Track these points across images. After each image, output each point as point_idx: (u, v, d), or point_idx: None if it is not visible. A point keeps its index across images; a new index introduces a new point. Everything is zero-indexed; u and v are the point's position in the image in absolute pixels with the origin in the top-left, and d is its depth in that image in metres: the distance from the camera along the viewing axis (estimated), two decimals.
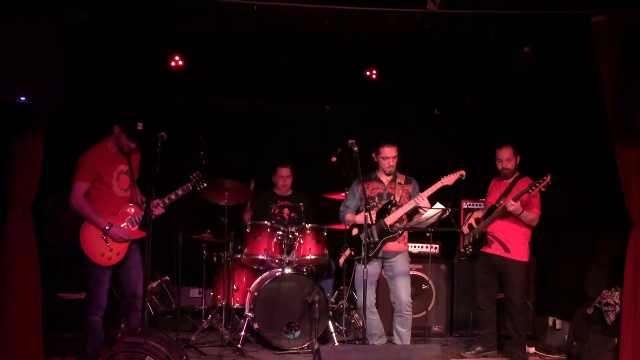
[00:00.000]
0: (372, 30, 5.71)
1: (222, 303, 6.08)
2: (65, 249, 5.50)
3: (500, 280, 5.65)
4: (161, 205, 4.88)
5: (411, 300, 5.41)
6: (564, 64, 5.88)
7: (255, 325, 5.71)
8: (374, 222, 5.21)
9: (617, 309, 5.06)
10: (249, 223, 6.11)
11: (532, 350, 5.85)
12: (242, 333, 5.74)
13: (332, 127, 7.17)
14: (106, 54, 6.04)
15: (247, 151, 7.34)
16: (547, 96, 6.32)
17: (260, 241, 5.97)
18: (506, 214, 5.49)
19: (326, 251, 6.06)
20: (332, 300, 6.26)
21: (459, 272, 6.42)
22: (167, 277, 6.79)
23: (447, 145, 7.20)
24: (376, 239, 5.29)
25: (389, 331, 5.66)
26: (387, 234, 5.32)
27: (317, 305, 5.59)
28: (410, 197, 5.42)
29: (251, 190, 6.34)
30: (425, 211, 5.26)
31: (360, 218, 5.09)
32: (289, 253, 5.96)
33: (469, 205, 6.41)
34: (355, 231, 5.47)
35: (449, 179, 5.26)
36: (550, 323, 6.19)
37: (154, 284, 6.66)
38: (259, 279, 6.01)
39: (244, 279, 6.30)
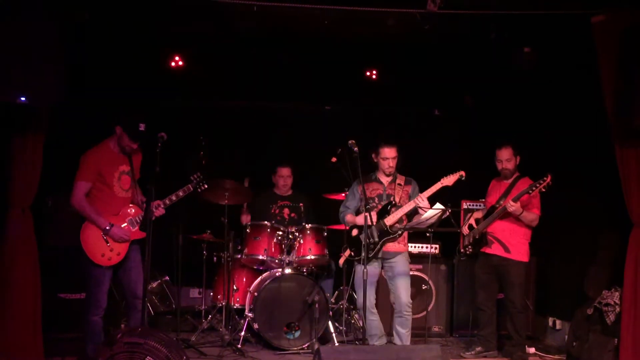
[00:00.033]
0: (372, 31, 5.71)
1: (222, 303, 6.08)
2: (65, 249, 5.50)
3: (501, 281, 5.65)
4: (162, 206, 4.88)
5: (411, 301, 5.41)
6: (564, 64, 5.88)
7: (255, 326, 5.71)
8: (374, 222, 5.21)
9: (617, 309, 5.06)
10: (249, 223, 6.11)
11: (532, 350, 5.85)
12: (242, 333, 5.74)
13: (332, 127, 7.18)
14: (106, 54, 6.04)
15: (247, 151, 7.34)
16: (547, 96, 6.32)
17: (260, 241, 5.97)
18: (506, 215, 5.49)
19: (326, 251, 6.06)
20: (332, 300, 6.26)
21: (459, 272, 6.42)
22: (167, 278, 6.80)
23: (447, 146, 7.21)
24: (376, 240, 5.29)
25: (389, 331, 5.66)
26: (386, 234, 5.32)
27: (317, 306, 5.59)
28: (410, 198, 5.42)
29: (247, 188, 6.33)
30: (425, 212, 5.26)
31: (360, 219, 5.09)
32: (289, 253, 5.96)
33: (469, 205, 6.41)
34: (355, 232, 5.47)
35: (448, 180, 5.26)
36: (550, 323, 6.19)
37: (154, 284, 6.65)
38: (259, 279, 6.01)
39: (244, 279, 6.30)
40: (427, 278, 6.36)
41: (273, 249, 5.97)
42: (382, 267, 5.46)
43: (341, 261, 5.69)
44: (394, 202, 5.38)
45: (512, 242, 5.54)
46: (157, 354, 3.85)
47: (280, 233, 5.97)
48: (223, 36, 6.11)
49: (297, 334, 5.72)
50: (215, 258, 6.35)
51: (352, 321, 6.21)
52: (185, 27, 5.86)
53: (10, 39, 4.35)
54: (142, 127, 4.70)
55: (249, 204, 6.60)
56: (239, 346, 5.62)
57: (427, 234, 5.80)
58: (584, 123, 5.74)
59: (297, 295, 5.74)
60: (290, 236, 5.96)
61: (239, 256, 6.14)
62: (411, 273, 5.69)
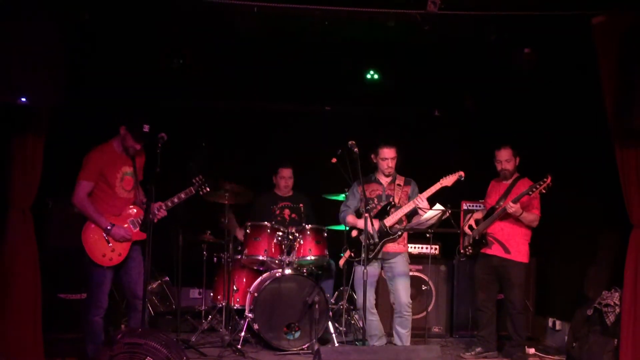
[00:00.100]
0: (372, 32, 5.71)
1: (222, 304, 6.08)
2: (66, 249, 5.50)
3: (500, 281, 5.66)
4: (164, 208, 4.89)
5: (411, 301, 5.41)
6: (564, 65, 5.88)
7: (255, 326, 5.71)
8: (376, 229, 5.22)
9: (617, 310, 5.06)
10: (249, 224, 6.10)
11: (532, 351, 5.85)
12: (242, 334, 5.74)
13: (332, 128, 7.17)
14: (106, 54, 6.04)
15: (247, 152, 7.34)
16: (546, 97, 6.32)
17: (260, 242, 5.97)
18: (506, 215, 5.50)
19: (326, 252, 6.06)
20: (332, 301, 6.26)
21: (459, 273, 6.43)
22: (167, 278, 6.80)
23: (447, 146, 7.21)
24: (376, 240, 5.29)
25: (389, 332, 5.66)
26: (386, 235, 5.32)
27: (317, 306, 5.59)
28: (409, 199, 5.42)
29: (247, 190, 6.33)
30: (425, 212, 5.26)
31: (362, 223, 5.09)
32: (289, 254, 5.96)
33: (469, 206, 6.42)
34: (354, 232, 5.48)
35: (448, 180, 5.27)
36: (550, 324, 6.19)
37: (154, 285, 6.66)
38: (259, 279, 6.01)
39: (244, 280, 6.30)
40: (427, 279, 6.36)
41: (273, 250, 5.97)
42: (382, 268, 5.46)
43: (341, 262, 5.70)
44: (393, 203, 5.39)
45: (512, 243, 5.54)
46: (157, 354, 3.86)
47: (280, 234, 5.97)
48: (223, 37, 6.11)
49: (297, 334, 5.72)
50: (215, 258, 6.36)
51: (352, 322, 6.22)
52: (186, 27, 5.86)
53: (11, 39, 4.35)
54: (146, 128, 4.71)
55: (250, 205, 6.61)
56: (239, 347, 5.62)
57: (427, 235, 5.81)
58: (583, 124, 5.74)
59: (297, 295, 5.74)
60: (290, 237, 5.96)
61: (239, 257, 6.14)
62: (411, 274, 5.70)
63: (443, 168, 5.35)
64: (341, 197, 6.22)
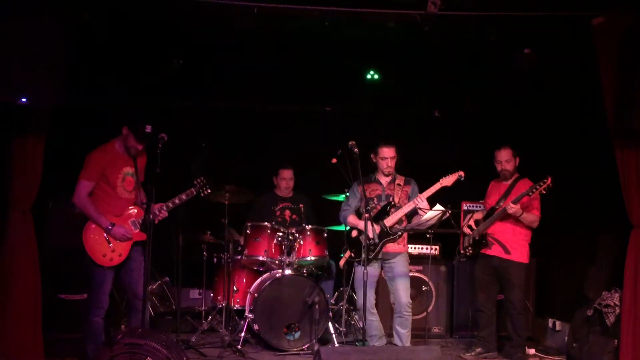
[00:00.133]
0: (372, 32, 5.72)
1: (222, 304, 6.09)
2: (66, 250, 5.50)
3: (501, 282, 5.65)
4: (164, 209, 4.89)
5: (411, 301, 5.42)
6: (564, 65, 5.88)
7: (256, 327, 5.71)
8: (377, 232, 5.22)
9: (617, 310, 5.06)
10: (249, 224, 6.10)
11: (532, 351, 5.86)
12: (242, 334, 5.74)
13: (332, 128, 7.17)
14: (106, 55, 6.04)
15: (247, 152, 7.34)
16: (546, 98, 6.32)
17: (260, 242, 5.97)
18: (506, 216, 5.50)
19: (326, 252, 6.06)
20: (332, 301, 6.26)
21: (459, 273, 6.43)
22: (167, 278, 6.79)
23: (447, 147, 7.21)
24: (376, 241, 5.29)
25: (389, 332, 5.66)
26: (386, 235, 5.32)
27: (317, 307, 5.59)
28: (409, 198, 5.43)
29: (247, 192, 6.33)
30: (425, 213, 5.26)
31: (363, 225, 5.09)
32: (289, 254, 5.96)
33: (469, 206, 6.42)
34: (355, 233, 5.48)
35: (447, 180, 5.27)
36: (550, 324, 6.19)
37: (154, 285, 6.65)
38: (259, 280, 6.01)
39: (244, 280, 6.30)
40: (427, 279, 6.36)
41: (273, 250, 5.97)
42: (382, 268, 5.47)
43: (342, 262, 5.70)
44: (393, 203, 5.39)
45: (512, 244, 5.54)
46: (157, 354, 3.86)
47: (281, 234, 5.96)
48: (224, 37, 6.11)
49: (297, 335, 5.72)
50: (215, 259, 6.36)
51: (352, 322, 6.22)
52: (186, 27, 5.86)
53: (11, 39, 4.35)
54: (148, 128, 4.70)
55: (250, 205, 6.61)
56: (239, 347, 5.62)
57: (427, 235, 5.81)
58: (583, 124, 5.75)
59: (297, 296, 5.74)
60: (291, 237, 5.96)
61: (239, 257, 6.14)
62: (411, 274, 5.70)
63: (443, 168, 5.35)
64: (341, 197, 6.22)
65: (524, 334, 5.72)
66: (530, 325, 6.25)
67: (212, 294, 6.47)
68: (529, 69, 5.85)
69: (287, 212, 6.59)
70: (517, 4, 4.96)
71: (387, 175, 5.49)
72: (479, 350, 5.72)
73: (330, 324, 5.82)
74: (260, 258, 5.97)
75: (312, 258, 5.96)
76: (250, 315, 5.76)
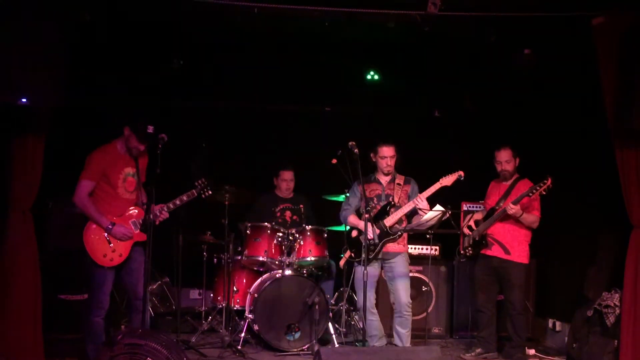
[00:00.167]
0: (372, 32, 5.72)
1: (222, 304, 6.09)
2: (66, 250, 5.50)
3: (501, 282, 5.65)
4: (165, 209, 4.89)
5: (411, 301, 5.42)
6: (564, 66, 5.88)
7: (256, 327, 5.71)
8: (376, 232, 5.22)
9: (617, 311, 5.06)
10: (250, 224, 6.10)
11: (532, 352, 5.86)
12: (242, 334, 5.74)
13: (332, 128, 7.18)
14: (106, 55, 6.05)
15: (247, 152, 7.34)
16: (546, 98, 6.32)
17: (260, 243, 5.97)
18: (506, 216, 5.49)
19: (326, 253, 6.06)
20: (332, 302, 6.26)
21: (459, 274, 6.43)
22: (167, 279, 6.80)
23: (447, 147, 7.21)
24: (376, 241, 5.29)
25: (389, 332, 5.66)
26: (386, 235, 5.33)
27: (317, 307, 5.59)
28: (409, 198, 5.43)
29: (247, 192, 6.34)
30: (425, 213, 5.26)
31: (364, 225, 5.09)
32: (289, 255, 5.95)
33: (469, 207, 6.41)
34: (355, 233, 5.48)
35: (447, 180, 5.28)
36: (550, 325, 6.19)
37: (154, 286, 6.65)
38: (259, 280, 6.01)
39: (244, 281, 6.30)
40: (427, 279, 6.36)
41: (273, 251, 5.97)
42: (382, 268, 5.47)
43: (342, 262, 5.70)
44: (393, 203, 5.39)
45: (512, 244, 5.53)
46: (157, 355, 3.86)
47: (281, 234, 5.96)
48: (224, 38, 6.11)
49: (297, 335, 5.71)
50: (215, 259, 6.36)
51: (352, 322, 6.22)
52: (186, 27, 5.86)
53: (11, 39, 4.35)
54: (150, 129, 4.70)
55: (250, 206, 6.61)
56: (239, 347, 5.62)
57: (427, 236, 5.81)
58: (583, 125, 5.75)
59: (297, 296, 5.74)
60: (291, 237, 5.96)
61: (239, 257, 6.14)
62: (411, 275, 5.70)
63: (443, 169, 5.36)
64: (341, 198, 6.22)
65: (524, 335, 5.72)
66: (530, 326, 6.24)
67: (212, 295, 6.47)
68: (529, 69, 5.85)
69: (288, 213, 6.59)
70: (517, 5, 4.97)
71: (386, 175, 5.49)
72: (479, 350, 5.72)
73: (330, 325, 5.82)
74: (260, 258, 5.97)
75: (312, 258, 5.96)
76: (250, 316, 5.76)
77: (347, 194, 5.75)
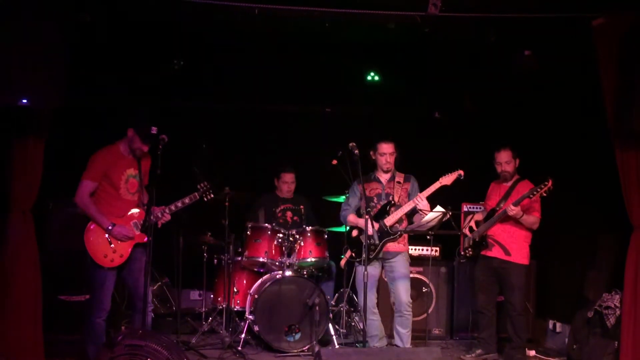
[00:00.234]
0: (373, 33, 5.72)
1: (222, 305, 6.09)
2: (66, 251, 5.50)
3: (501, 283, 5.65)
4: (167, 212, 4.89)
5: (411, 300, 5.42)
6: (564, 66, 5.88)
7: (256, 328, 5.71)
8: (376, 229, 5.22)
9: (618, 312, 5.06)
10: (250, 225, 6.10)
11: (532, 353, 5.86)
12: (243, 335, 5.74)
13: (332, 129, 7.17)
14: (106, 55, 6.05)
15: (247, 153, 7.34)
16: (546, 99, 6.32)
17: (260, 244, 5.97)
18: (507, 218, 5.49)
19: (326, 254, 6.06)
20: (333, 303, 6.26)
21: (459, 274, 6.43)
22: (168, 280, 6.79)
23: (447, 148, 7.21)
24: (377, 242, 5.29)
25: (390, 334, 5.66)
26: (387, 235, 5.33)
27: (317, 308, 5.59)
28: (409, 196, 5.43)
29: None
30: (426, 214, 5.26)
31: (363, 223, 5.10)
32: (289, 256, 5.95)
33: (469, 208, 6.41)
34: (355, 232, 5.48)
35: (447, 179, 5.28)
36: (551, 326, 6.18)
37: (155, 287, 6.65)
38: (259, 281, 6.00)
39: (245, 282, 6.30)
40: (427, 280, 6.36)
41: (273, 252, 5.97)
42: (383, 267, 5.47)
43: (342, 262, 5.70)
44: (393, 202, 5.39)
45: (512, 245, 5.53)
46: (157, 356, 3.86)
47: (281, 235, 5.96)
48: (224, 38, 6.11)
49: (298, 336, 5.71)
50: (215, 260, 6.35)
51: (352, 323, 6.21)
52: (186, 28, 5.87)
53: (11, 39, 4.34)
54: (154, 130, 4.70)
55: (250, 206, 6.61)
56: (239, 348, 5.62)
57: (428, 237, 5.79)
58: (583, 125, 5.75)
59: (297, 297, 5.74)
60: (291, 238, 5.95)
61: (240, 258, 6.14)
62: (411, 275, 5.69)
63: (443, 169, 5.35)
64: (341, 198, 6.22)
65: (524, 336, 5.71)
66: (531, 327, 6.24)
67: (212, 295, 6.47)
68: (529, 70, 5.85)
69: (289, 214, 6.59)
70: (517, 6, 4.97)
71: (386, 172, 5.49)
72: (479, 351, 5.72)
73: (330, 325, 5.82)
74: (261, 259, 5.97)
75: (313, 259, 5.96)
76: (250, 317, 5.76)
77: (347, 195, 5.75)
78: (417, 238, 6.24)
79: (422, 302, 6.34)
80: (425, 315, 6.31)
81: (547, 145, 6.25)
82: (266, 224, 6.08)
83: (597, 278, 5.58)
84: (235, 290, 6.19)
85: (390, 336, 5.68)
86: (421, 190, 5.37)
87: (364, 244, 5.06)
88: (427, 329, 6.23)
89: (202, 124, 7.11)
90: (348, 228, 5.64)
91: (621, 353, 4.92)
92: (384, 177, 5.51)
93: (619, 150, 4.87)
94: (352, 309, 6.28)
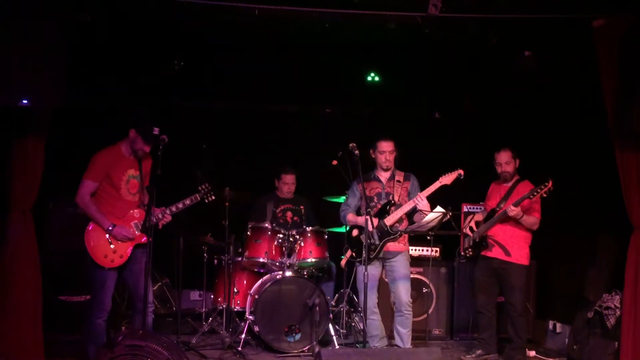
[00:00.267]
0: (373, 33, 5.72)
1: (222, 306, 6.09)
2: (66, 251, 5.50)
3: (501, 284, 5.65)
4: (167, 213, 4.89)
5: (411, 300, 5.42)
6: (564, 67, 5.89)
7: (256, 328, 5.71)
8: (375, 226, 5.22)
9: (618, 312, 5.06)
10: (250, 225, 6.10)
11: (532, 353, 5.86)
12: (243, 336, 5.73)
13: (332, 129, 7.17)
14: (106, 55, 6.05)
15: (247, 153, 7.34)
16: (547, 100, 6.32)
17: (261, 244, 5.97)
18: (507, 218, 5.49)
19: (327, 254, 6.06)
20: (333, 303, 6.26)
21: (460, 275, 6.43)
22: (168, 280, 6.79)
23: (447, 148, 7.21)
24: (377, 241, 5.29)
25: (390, 334, 5.66)
26: (387, 234, 5.33)
27: (317, 308, 5.59)
28: (409, 194, 5.43)
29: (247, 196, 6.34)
30: (426, 214, 5.26)
31: (362, 220, 5.10)
32: (289, 256, 5.95)
33: (469, 208, 6.41)
34: (355, 232, 5.48)
35: (447, 178, 5.28)
36: (551, 327, 6.18)
37: (155, 287, 6.64)
38: (259, 281, 6.00)
39: (245, 282, 6.29)
40: (427, 281, 6.36)
41: (274, 252, 5.96)
42: (383, 267, 5.47)
43: (343, 262, 5.70)
44: (393, 202, 5.39)
45: (512, 246, 5.53)
46: (157, 356, 3.86)
47: (281, 236, 5.96)
48: (224, 38, 6.11)
49: (298, 336, 5.71)
50: (215, 261, 6.35)
51: (353, 324, 6.21)
52: (186, 28, 5.87)
53: (11, 39, 4.34)
54: (156, 130, 4.70)
55: (250, 206, 6.61)
56: (240, 349, 5.62)
57: (428, 237, 5.80)
58: (583, 126, 5.75)
59: (297, 298, 5.74)
60: (291, 239, 5.95)
61: (240, 259, 6.13)
62: (412, 276, 5.69)
63: (443, 170, 5.35)
64: (341, 199, 6.22)
65: (525, 336, 5.72)
66: (531, 327, 6.24)
67: (212, 296, 6.46)
68: (530, 71, 5.85)
69: (289, 214, 6.59)
70: (518, 6, 4.96)
71: (386, 170, 5.49)
72: (479, 352, 5.72)
73: (330, 326, 5.81)
74: (261, 260, 5.97)
75: (313, 260, 5.96)
76: (250, 317, 5.76)
77: (347, 195, 5.75)
78: (417, 238, 6.24)
79: (423, 302, 6.34)
80: (425, 315, 6.30)
81: (547, 145, 6.25)
82: (266, 225, 6.07)
83: (597, 278, 5.58)
84: (235, 290, 6.18)
85: (390, 336, 5.67)
86: (421, 189, 5.37)
87: (364, 243, 5.06)
88: (427, 329, 6.23)
89: (202, 124, 7.11)
90: (348, 228, 5.64)
91: (621, 353, 4.92)
92: (383, 176, 5.51)
93: (619, 150, 4.87)
94: (353, 309, 6.28)
